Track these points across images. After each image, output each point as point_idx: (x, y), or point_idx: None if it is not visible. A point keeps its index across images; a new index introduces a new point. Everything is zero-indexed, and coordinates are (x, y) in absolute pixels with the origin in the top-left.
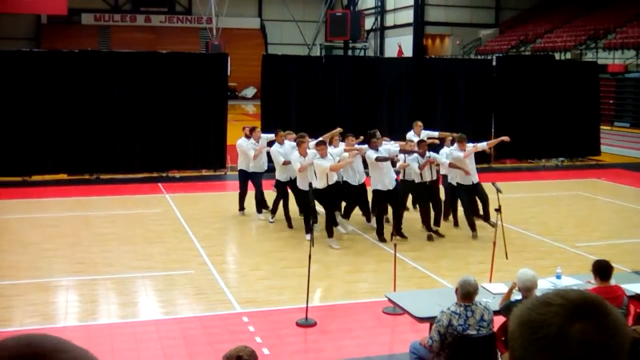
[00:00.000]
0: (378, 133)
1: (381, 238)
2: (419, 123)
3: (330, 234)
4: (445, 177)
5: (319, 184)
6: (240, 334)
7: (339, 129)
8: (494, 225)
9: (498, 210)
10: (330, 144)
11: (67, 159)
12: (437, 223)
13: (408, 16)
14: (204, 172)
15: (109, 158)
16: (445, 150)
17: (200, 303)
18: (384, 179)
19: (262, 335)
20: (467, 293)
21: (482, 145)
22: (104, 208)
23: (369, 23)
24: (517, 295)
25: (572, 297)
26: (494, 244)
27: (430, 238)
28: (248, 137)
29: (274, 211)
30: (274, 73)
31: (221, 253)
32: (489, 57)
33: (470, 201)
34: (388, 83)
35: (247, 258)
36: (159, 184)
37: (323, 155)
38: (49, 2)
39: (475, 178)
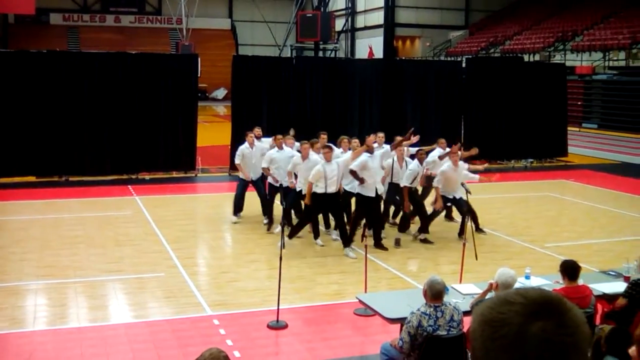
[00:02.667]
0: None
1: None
2: (380, 134)
3: (347, 242)
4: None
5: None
6: (211, 337)
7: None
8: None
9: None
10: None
11: (35, 161)
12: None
13: (378, 18)
14: (174, 174)
15: (78, 160)
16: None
17: (171, 306)
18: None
19: (233, 338)
20: (436, 293)
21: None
22: (73, 211)
23: (339, 24)
24: (491, 295)
25: (532, 296)
26: (464, 244)
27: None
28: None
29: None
30: (244, 74)
31: (191, 255)
32: (459, 59)
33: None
34: (359, 84)
35: (218, 260)
36: (129, 186)
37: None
38: (16, 1)
39: (457, 194)
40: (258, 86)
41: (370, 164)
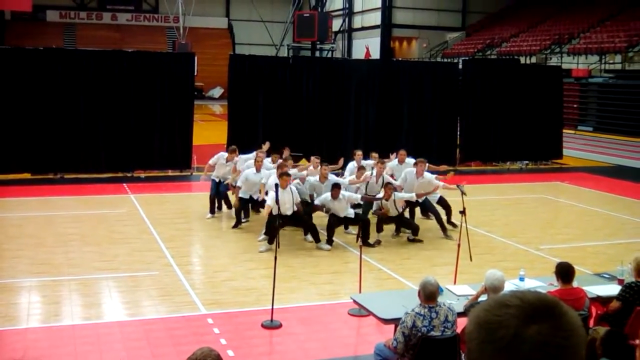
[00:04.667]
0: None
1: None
2: (359, 152)
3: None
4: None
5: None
6: (204, 336)
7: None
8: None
9: (463, 212)
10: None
11: (31, 158)
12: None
13: (376, 18)
14: (170, 173)
15: (74, 157)
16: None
17: (165, 304)
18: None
19: (227, 337)
20: (430, 294)
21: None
22: (68, 208)
23: (336, 24)
24: (484, 298)
25: (529, 299)
26: (459, 246)
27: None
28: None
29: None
30: (241, 73)
31: (186, 254)
32: (456, 60)
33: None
34: (355, 85)
35: (213, 259)
36: (124, 184)
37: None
38: None
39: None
40: (254, 86)
41: (332, 206)
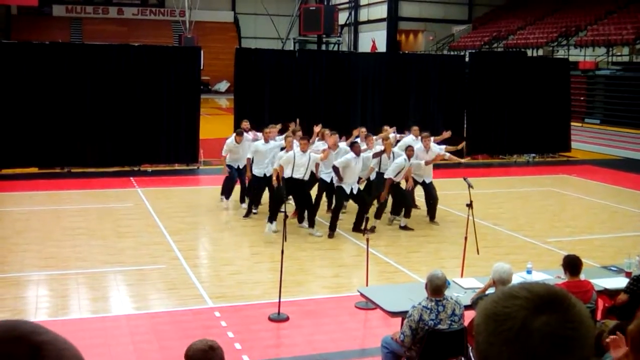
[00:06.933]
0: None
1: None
2: (385, 127)
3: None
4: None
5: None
6: (212, 329)
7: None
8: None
9: (469, 205)
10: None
11: (38, 152)
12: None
13: (382, 11)
14: (177, 167)
15: (81, 151)
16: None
17: (172, 298)
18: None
19: (234, 330)
20: (436, 287)
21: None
22: (75, 202)
23: (342, 18)
24: (492, 291)
25: (537, 290)
26: (466, 239)
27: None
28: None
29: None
30: (247, 67)
31: (193, 248)
32: (462, 53)
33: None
34: (361, 78)
35: (220, 253)
36: (131, 178)
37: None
38: None
39: (427, 178)
40: (261, 79)
41: (353, 165)
